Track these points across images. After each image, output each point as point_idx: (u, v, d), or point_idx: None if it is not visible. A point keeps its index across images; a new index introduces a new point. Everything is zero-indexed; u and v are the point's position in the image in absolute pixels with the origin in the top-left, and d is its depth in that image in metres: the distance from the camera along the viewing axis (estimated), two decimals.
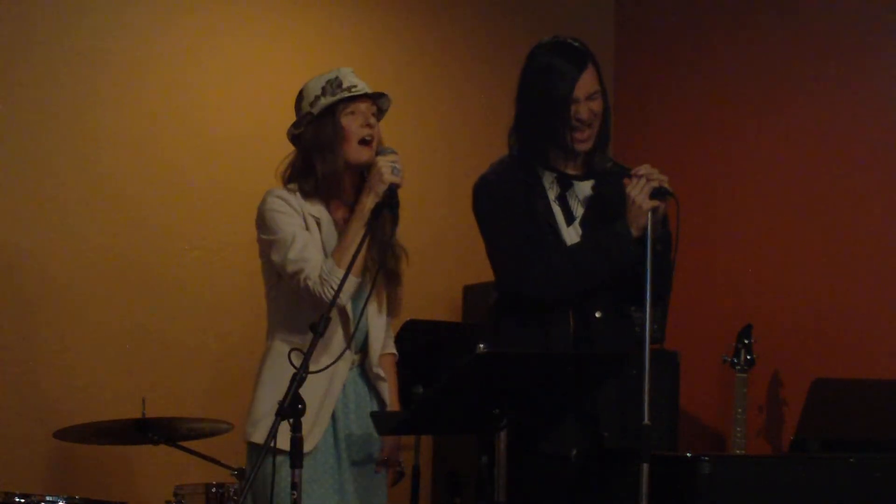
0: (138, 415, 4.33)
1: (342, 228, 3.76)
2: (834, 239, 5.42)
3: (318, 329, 3.33)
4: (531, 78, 3.82)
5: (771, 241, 5.64)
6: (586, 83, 3.74)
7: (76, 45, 5.08)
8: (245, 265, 4.64)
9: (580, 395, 3.62)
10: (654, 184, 3.66)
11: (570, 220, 3.79)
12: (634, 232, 3.65)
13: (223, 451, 4.49)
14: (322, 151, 3.76)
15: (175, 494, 4.37)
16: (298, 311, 3.71)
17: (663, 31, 6.21)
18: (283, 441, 3.31)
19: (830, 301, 5.40)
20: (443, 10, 5.99)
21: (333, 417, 3.75)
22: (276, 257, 3.74)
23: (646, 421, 3.51)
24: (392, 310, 3.89)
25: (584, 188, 3.83)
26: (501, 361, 3.38)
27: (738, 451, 5.16)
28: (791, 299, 5.52)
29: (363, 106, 3.79)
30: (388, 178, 3.68)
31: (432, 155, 5.85)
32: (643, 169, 3.69)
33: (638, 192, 3.66)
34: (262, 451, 3.27)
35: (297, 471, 3.29)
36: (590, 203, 3.81)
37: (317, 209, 3.79)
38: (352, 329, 3.74)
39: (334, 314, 3.61)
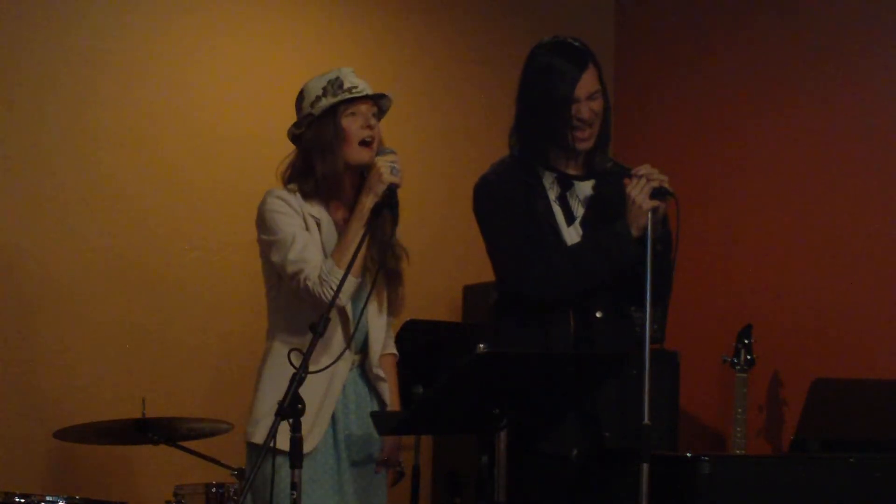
0: (138, 415, 4.34)
1: (342, 229, 3.75)
2: (834, 239, 5.42)
3: (318, 329, 3.33)
4: (532, 78, 3.81)
5: (771, 241, 5.63)
6: (587, 83, 3.74)
7: (76, 45, 5.08)
8: (245, 265, 4.63)
9: (580, 395, 3.62)
10: (654, 184, 3.66)
11: (570, 220, 3.79)
12: (634, 232, 3.64)
13: (223, 451, 4.49)
14: (322, 152, 3.76)
15: (175, 494, 4.37)
16: (299, 311, 3.71)
17: (663, 31, 6.21)
18: (283, 441, 3.32)
19: (830, 301, 5.40)
20: (443, 10, 5.99)
21: (333, 418, 3.75)
22: (275, 258, 3.74)
23: (646, 421, 3.51)
24: (394, 309, 3.89)
25: (585, 188, 3.83)
26: (501, 361, 3.38)
27: (738, 451, 5.16)
28: (791, 299, 5.52)
29: (364, 107, 3.78)
30: (387, 178, 3.68)
31: (432, 155, 5.84)
32: (643, 169, 3.69)
33: (638, 192, 3.65)
34: (261, 452, 3.27)
35: (296, 471, 3.29)
36: (590, 203, 3.81)
37: (317, 210, 3.79)
38: (352, 329, 3.74)
39: (334, 314, 3.61)
